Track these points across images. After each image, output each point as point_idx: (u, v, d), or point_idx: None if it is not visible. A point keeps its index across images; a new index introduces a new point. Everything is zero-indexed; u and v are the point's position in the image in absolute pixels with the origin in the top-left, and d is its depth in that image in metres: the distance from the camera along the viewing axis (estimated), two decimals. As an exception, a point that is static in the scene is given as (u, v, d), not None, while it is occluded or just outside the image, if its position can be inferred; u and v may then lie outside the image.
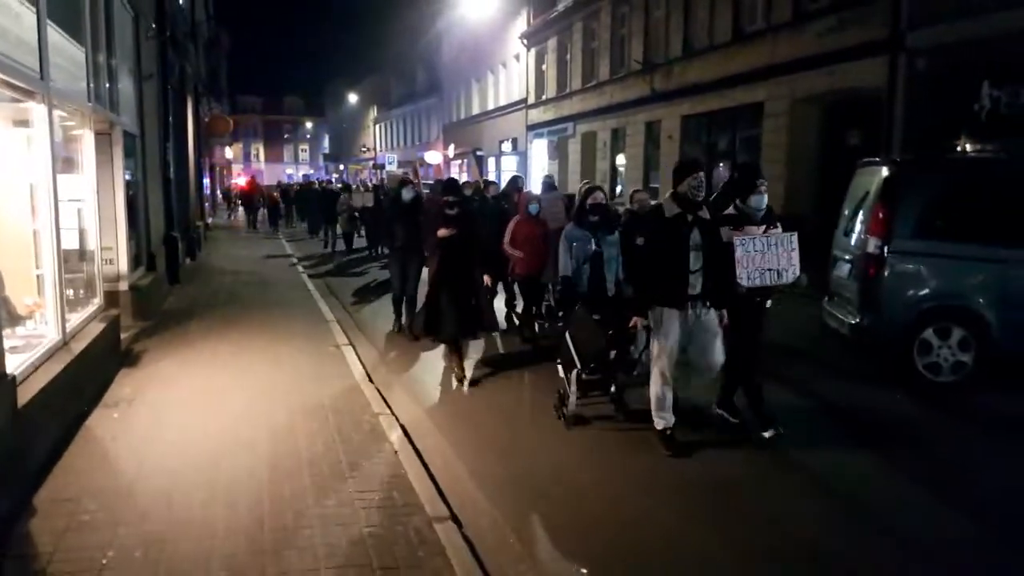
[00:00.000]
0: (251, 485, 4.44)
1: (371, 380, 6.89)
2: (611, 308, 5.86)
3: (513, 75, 33.20)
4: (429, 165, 42.36)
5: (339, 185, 28.93)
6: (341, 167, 67.22)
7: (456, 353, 7.14)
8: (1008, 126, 11.11)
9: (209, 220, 26.22)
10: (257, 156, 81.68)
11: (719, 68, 18.24)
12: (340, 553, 3.65)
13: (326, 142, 77.73)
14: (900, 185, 6.83)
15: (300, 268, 15.49)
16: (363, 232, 19.92)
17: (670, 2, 20.64)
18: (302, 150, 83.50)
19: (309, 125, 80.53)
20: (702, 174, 5.11)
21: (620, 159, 24.58)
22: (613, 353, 5.70)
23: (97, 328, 6.64)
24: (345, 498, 4.28)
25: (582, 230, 6.24)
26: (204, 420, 5.63)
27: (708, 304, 5.17)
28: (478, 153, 36.96)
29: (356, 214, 19.22)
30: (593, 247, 6.17)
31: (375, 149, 57.38)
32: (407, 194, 9.00)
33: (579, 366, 5.60)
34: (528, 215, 8.29)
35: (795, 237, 5.22)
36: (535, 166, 30.58)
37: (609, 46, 24.42)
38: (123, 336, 7.92)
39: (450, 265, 6.84)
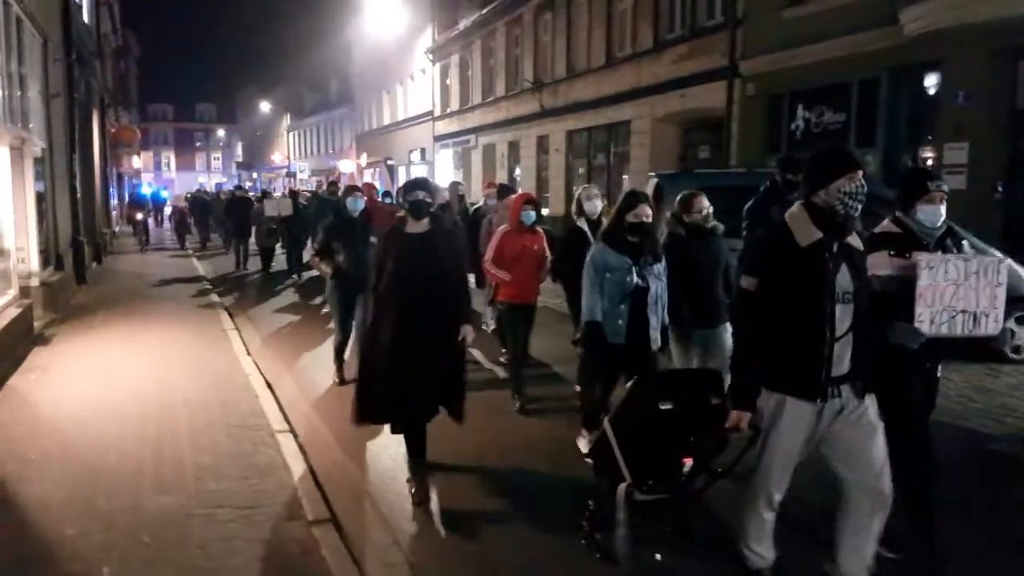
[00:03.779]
0: (139, 417, 6.07)
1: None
2: (686, 386, 3.76)
3: (420, 88, 34.96)
4: (343, 174, 43.72)
5: (255, 193, 28.61)
6: (255, 175, 67.66)
7: (418, 454, 4.83)
8: (816, 143, 13.52)
9: (116, 229, 27.05)
10: (168, 165, 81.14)
11: (595, 89, 20.44)
12: (203, 447, 5.36)
13: (239, 150, 77.87)
14: (662, 192, 8.81)
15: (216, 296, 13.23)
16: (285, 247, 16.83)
17: (555, 27, 22.83)
18: (215, 158, 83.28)
19: (221, 133, 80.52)
20: (861, 174, 3.18)
21: (518, 170, 26.61)
22: (688, 464, 3.66)
23: (14, 312, 8.11)
24: (212, 420, 5.97)
25: (619, 255, 4.78)
26: (106, 380, 7.21)
27: (861, 389, 3.30)
28: (389, 162, 38.60)
29: (273, 226, 16.46)
30: (635, 280, 4.75)
31: (289, 157, 58.28)
32: (354, 204, 7.28)
33: (628, 479, 3.64)
34: (521, 225, 6.49)
35: (1005, 266, 3.54)
36: (441, 176, 32.37)
37: (505, 64, 26.49)
38: (35, 324, 9.33)
39: (410, 319, 4.62)
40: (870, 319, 3.28)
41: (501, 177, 27.35)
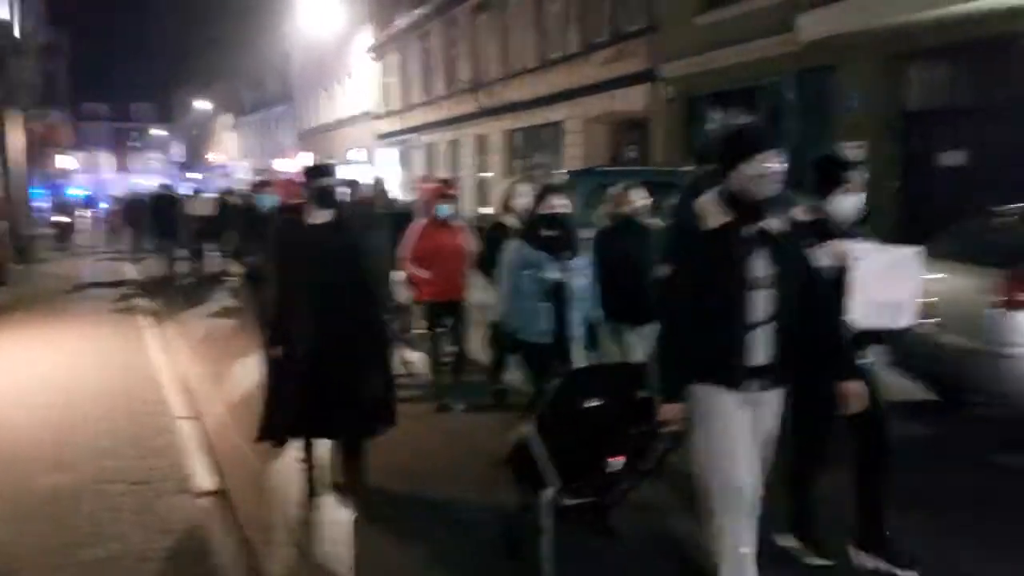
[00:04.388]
0: (45, 406, 6.39)
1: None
2: (611, 381, 3.77)
3: (361, 86, 35.15)
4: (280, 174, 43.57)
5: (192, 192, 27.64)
6: (193, 176, 66.87)
7: (311, 462, 4.72)
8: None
9: (43, 231, 26.73)
10: (103, 165, 79.56)
11: (530, 89, 20.97)
12: (104, 428, 5.74)
13: (177, 150, 76.86)
14: (571, 188, 9.38)
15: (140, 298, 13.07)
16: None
17: (490, 28, 23.37)
18: (152, 159, 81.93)
19: (159, 132, 79.30)
20: (774, 153, 3.08)
21: (460, 169, 27.03)
22: (618, 462, 3.63)
23: (-76, 310, 8.30)
24: (116, 408, 6.31)
25: (536, 251, 4.61)
26: (16, 373, 7.53)
27: (779, 382, 3.23)
28: (331, 161, 38.66)
29: (198, 226, 15.57)
30: (555, 275, 4.58)
31: (228, 157, 57.83)
32: (265, 201, 7.02)
33: (554, 484, 3.58)
34: (437, 220, 6.51)
35: (921, 256, 3.62)
36: (383, 175, 32.60)
37: (443, 64, 26.92)
38: (-52, 323, 9.51)
39: (324, 320, 4.34)
40: (794, 308, 3.11)
41: (442, 176, 27.74)
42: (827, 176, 3.71)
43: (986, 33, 9.49)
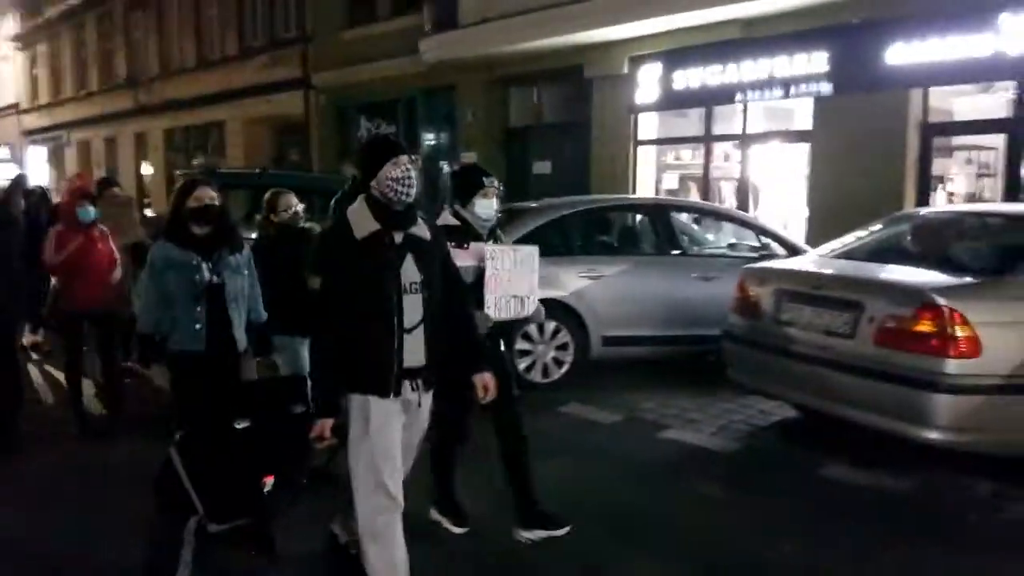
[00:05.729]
0: None
1: None
2: (262, 398, 3.88)
3: (4, 77, 32.12)
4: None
5: None
6: None
7: None
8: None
9: None
10: None
11: (190, 88, 20.97)
12: None
13: None
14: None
15: None
16: None
17: (147, 25, 22.97)
18: None
19: None
20: (406, 159, 3.28)
21: (118, 169, 25.93)
22: (269, 483, 3.63)
23: None
24: None
25: (183, 250, 4.19)
26: None
27: (431, 382, 3.37)
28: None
29: None
30: (207, 277, 4.18)
31: None
32: None
33: (200, 511, 3.51)
34: (77, 224, 5.93)
35: (536, 252, 4.15)
36: (33, 176, 30.10)
37: (98, 58, 25.80)
38: None
39: None
40: (442, 309, 3.29)
41: (99, 177, 26.31)
42: (467, 184, 4.12)
43: (560, 65, 11.88)
